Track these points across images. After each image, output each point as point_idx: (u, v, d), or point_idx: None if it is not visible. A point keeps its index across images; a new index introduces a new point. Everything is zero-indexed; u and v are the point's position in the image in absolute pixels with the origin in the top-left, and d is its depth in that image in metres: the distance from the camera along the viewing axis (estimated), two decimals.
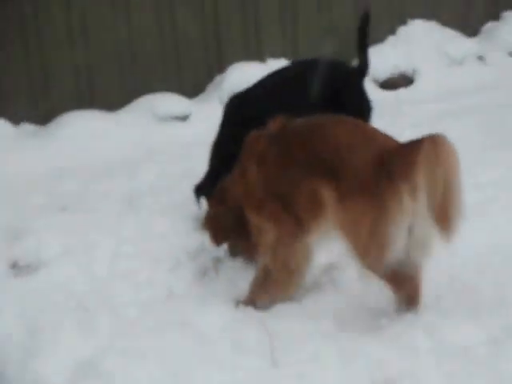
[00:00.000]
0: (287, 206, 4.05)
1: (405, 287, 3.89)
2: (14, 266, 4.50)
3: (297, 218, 4.05)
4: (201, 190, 4.71)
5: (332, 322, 3.96)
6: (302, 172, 3.96)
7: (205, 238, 4.64)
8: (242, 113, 4.80)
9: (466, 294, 4.10)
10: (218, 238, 4.40)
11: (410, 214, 3.68)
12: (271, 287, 4.16)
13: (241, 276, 4.38)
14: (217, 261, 4.51)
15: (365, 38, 5.12)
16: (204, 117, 5.83)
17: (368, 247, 3.82)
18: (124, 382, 3.58)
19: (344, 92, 4.96)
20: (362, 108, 4.94)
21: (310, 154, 3.94)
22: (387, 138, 3.83)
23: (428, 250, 3.86)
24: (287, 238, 4.11)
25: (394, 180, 3.63)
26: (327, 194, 3.86)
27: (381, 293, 4.06)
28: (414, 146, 3.59)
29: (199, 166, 4.74)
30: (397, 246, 3.73)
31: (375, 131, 3.91)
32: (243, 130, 4.51)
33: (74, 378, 3.65)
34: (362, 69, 5.10)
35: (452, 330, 3.74)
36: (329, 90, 4.85)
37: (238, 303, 4.19)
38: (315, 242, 4.18)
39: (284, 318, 4.04)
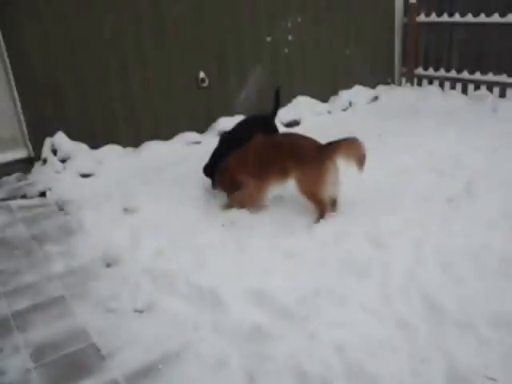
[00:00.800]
0: (265, 173, 4.07)
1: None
2: (125, 210, 4.51)
3: (266, 179, 4.09)
4: (205, 168, 4.74)
5: (271, 228, 3.95)
6: (279, 156, 3.97)
7: (210, 193, 4.72)
8: (227, 138, 4.83)
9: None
10: (223, 189, 4.39)
11: (332, 173, 3.82)
12: (241, 204, 4.23)
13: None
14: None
15: (277, 100, 5.15)
16: (207, 142, 5.79)
17: (311, 188, 3.88)
18: (175, 259, 3.60)
19: (268, 126, 5.03)
20: (275, 132, 5.07)
21: (284, 148, 3.98)
22: (316, 140, 3.98)
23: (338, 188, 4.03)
24: (257, 187, 4.14)
25: (327, 157, 3.74)
26: (292, 166, 3.91)
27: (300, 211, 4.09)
28: (336, 143, 3.76)
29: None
30: (325, 188, 3.85)
31: (311, 138, 4.03)
32: (227, 145, 4.68)
33: (153, 258, 3.69)
34: (273, 115, 5.14)
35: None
36: (262, 126, 4.91)
37: (223, 207, 4.35)
38: (271, 190, 4.25)
39: (248, 227, 4.01)
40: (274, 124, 5.16)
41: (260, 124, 5.02)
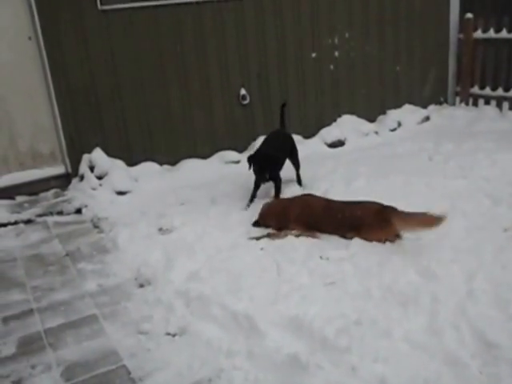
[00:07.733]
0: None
1: None
2: (160, 229, 4.61)
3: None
4: (250, 159, 4.83)
5: (312, 253, 3.89)
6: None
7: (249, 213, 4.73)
8: (260, 149, 4.96)
9: None
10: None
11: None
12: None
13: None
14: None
15: (283, 114, 5.38)
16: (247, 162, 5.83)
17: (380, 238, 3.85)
18: (210, 282, 3.62)
19: (289, 140, 5.29)
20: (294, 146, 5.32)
21: (347, 213, 4.03)
22: (376, 202, 4.02)
23: None
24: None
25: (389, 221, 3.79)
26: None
27: None
28: (390, 208, 3.85)
29: (245, 183, 4.77)
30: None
31: (373, 201, 4.04)
32: (260, 155, 4.83)
33: (185, 280, 3.72)
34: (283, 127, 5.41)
35: None
36: (285, 140, 5.22)
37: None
38: None
39: (289, 252, 3.99)
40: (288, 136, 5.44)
41: (285, 136, 5.28)
